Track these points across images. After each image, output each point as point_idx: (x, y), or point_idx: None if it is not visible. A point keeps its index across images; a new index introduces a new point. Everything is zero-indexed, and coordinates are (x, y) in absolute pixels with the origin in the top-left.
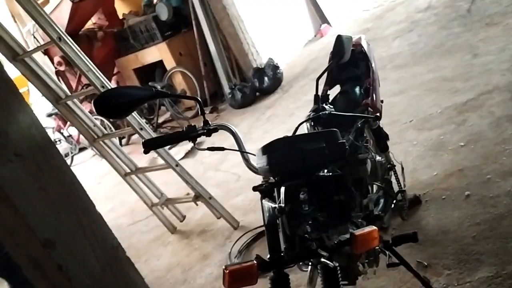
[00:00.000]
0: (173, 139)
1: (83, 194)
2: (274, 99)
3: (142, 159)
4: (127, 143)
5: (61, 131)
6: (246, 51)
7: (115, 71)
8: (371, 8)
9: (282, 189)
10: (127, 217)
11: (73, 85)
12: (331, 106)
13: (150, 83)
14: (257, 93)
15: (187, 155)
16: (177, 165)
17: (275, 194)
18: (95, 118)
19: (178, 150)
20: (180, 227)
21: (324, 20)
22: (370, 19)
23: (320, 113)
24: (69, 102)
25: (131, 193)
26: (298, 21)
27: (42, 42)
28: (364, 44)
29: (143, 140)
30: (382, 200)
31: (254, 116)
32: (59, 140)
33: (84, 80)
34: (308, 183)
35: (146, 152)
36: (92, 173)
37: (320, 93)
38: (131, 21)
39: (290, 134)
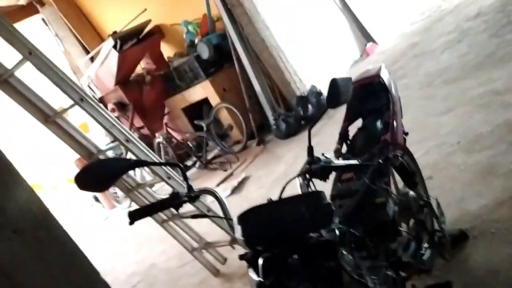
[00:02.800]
0: (158, 208)
1: (86, 263)
2: (319, 126)
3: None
4: None
5: None
6: (288, 80)
7: (166, 111)
8: (419, 21)
9: (260, 261)
10: (177, 259)
11: (127, 127)
12: (328, 157)
13: (196, 121)
14: (302, 122)
15: (233, 191)
16: (209, 211)
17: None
18: None
19: (225, 187)
20: (223, 269)
21: (369, 38)
22: (417, 32)
23: (312, 166)
24: (100, 156)
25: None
26: (342, 42)
27: (97, 92)
28: (383, 74)
29: (128, 211)
30: (413, 244)
31: (300, 146)
32: None
33: (137, 123)
34: (292, 251)
35: (131, 223)
36: None
37: (340, 131)
38: (175, 62)
39: None
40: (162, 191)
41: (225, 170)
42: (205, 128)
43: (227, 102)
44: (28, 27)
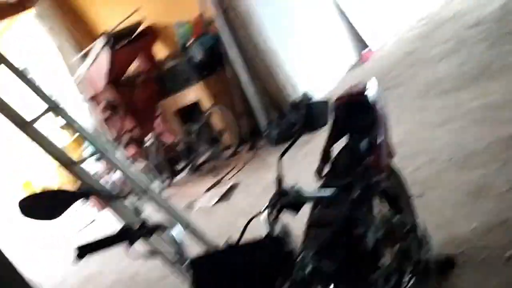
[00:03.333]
0: (108, 243)
1: (17, 277)
2: (311, 135)
3: (178, 204)
4: (169, 185)
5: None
6: (281, 86)
7: (158, 113)
8: (417, 27)
9: None
10: (159, 270)
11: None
12: (298, 187)
13: (186, 125)
14: (294, 129)
15: (221, 199)
16: (187, 226)
17: None
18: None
19: (213, 194)
20: None
21: (365, 44)
22: (415, 39)
23: (276, 201)
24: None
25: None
26: (339, 47)
27: (88, 91)
28: (371, 90)
29: (76, 246)
30: (395, 275)
31: (290, 154)
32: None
33: (128, 125)
34: None
35: (79, 258)
36: None
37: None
38: (168, 64)
39: None
40: None
41: (215, 176)
42: (195, 132)
43: (219, 106)
44: (21, 23)
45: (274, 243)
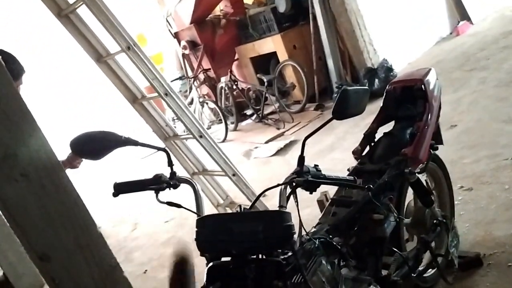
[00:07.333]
0: (140, 186)
1: (85, 215)
2: (379, 104)
3: (238, 150)
4: (235, 129)
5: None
6: (361, 48)
7: (235, 58)
8: None
9: (206, 267)
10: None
11: (195, 67)
12: (319, 168)
13: (258, 75)
14: None
15: (277, 152)
16: (234, 175)
17: None
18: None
19: (272, 146)
20: None
21: (464, 16)
22: None
23: (294, 179)
24: (144, 102)
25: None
26: (432, 16)
27: (173, 27)
28: (429, 79)
29: (114, 182)
30: (409, 263)
31: (354, 121)
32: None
33: (205, 65)
34: (240, 265)
35: (115, 195)
36: None
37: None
38: (252, 10)
39: None
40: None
41: (278, 129)
42: (267, 82)
43: (294, 60)
44: None
45: (274, 216)
